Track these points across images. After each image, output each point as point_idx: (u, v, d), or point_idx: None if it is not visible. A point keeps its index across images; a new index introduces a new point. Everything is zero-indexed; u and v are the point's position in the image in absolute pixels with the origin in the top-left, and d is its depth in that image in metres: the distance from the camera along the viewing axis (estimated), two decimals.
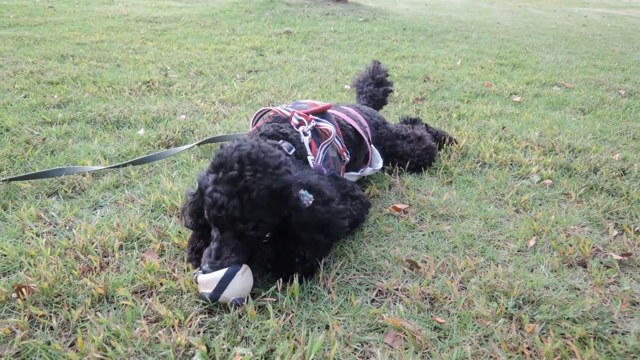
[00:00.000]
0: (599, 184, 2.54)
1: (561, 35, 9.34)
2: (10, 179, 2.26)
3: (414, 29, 8.61)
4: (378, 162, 2.51)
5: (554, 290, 1.71)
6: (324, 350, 1.41)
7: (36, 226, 1.98)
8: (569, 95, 4.56)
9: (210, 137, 2.94)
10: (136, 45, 6.01)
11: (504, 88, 4.73)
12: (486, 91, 4.61)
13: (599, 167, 2.74)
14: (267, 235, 1.71)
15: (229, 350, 1.39)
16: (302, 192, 1.65)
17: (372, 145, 2.53)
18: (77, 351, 1.37)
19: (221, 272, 1.51)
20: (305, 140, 2.00)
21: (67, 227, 2.00)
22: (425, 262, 1.86)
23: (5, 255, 1.78)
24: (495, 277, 1.75)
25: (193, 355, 1.36)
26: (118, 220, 2.02)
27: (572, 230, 2.11)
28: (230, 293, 1.51)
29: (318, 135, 2.09)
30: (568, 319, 1.55)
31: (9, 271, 1.71)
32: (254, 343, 1.43)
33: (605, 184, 2.53)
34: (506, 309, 1.59)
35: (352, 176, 2.34)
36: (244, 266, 1.57)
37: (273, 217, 1.59)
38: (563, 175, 2.68)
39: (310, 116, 2.11)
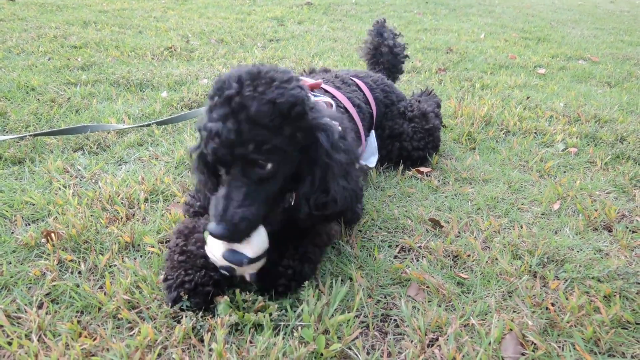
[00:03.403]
0: (626, 152, 2.49)
1: (587, 11, 9.10)
2: (37, 134, 2.29)
3: (437, 3, 8.45)
4: (374, 155, 2.21)
5: (578, 251, 1.69)
6: (347, 300, 1.42)
7: (63, 178, 2.01)
8: (595, 69, 4.46)
9: None
10: (157, 14, 5.99)
11: (529, 61, 4.64)
12: (510, 63, 4.52)
13: (626, 137, 2.69)
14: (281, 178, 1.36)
15: (253, 302, 1.39)
16: (327, 119, 1.39)
17: (369, 137, 2.23)
18: (105, 293, 1.40)
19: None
20: None
21: (93, 180, 2.03)
22: (449, 222, 1.85)
23: (33, 204, 1.81)
24: (519, 237, 1.74)
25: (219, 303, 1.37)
26: (143, 175, 2.04)
27: (597, 196, 2.08)
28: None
29: None
30: (593, 277, 1.54)
31: (37, 219, 1.75)
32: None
33: (632, 153, 2.48)
34: (530, 266, 1.58)
35: None
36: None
37: (281, 141, 1.28)
38: (588, 144, 2.63)
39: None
